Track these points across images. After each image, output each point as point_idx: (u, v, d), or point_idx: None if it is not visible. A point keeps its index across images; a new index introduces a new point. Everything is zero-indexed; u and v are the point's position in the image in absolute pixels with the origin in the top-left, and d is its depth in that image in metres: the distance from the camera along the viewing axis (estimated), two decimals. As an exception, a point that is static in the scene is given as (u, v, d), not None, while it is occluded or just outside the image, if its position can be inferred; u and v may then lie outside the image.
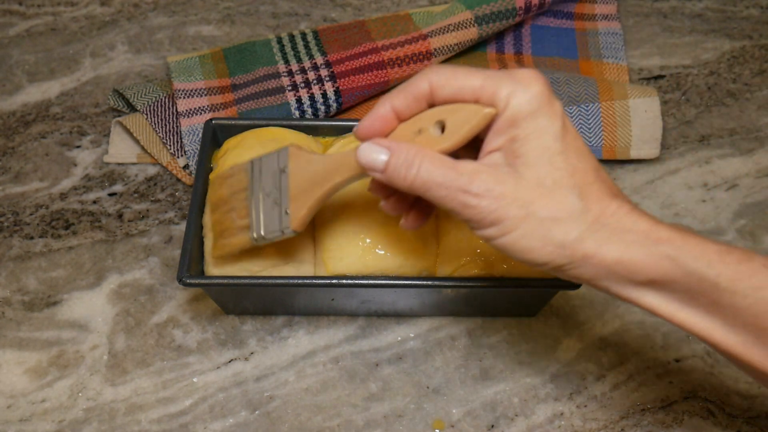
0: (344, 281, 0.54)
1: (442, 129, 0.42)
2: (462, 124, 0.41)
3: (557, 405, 0.56)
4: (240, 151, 0.60)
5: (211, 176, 0.60)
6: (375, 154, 0.43)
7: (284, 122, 0.63)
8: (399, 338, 0.60)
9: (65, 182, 0.69)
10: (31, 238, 0.65)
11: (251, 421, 0.55)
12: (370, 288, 0.56)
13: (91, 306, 0.61)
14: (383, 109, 0.44)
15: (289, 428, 0.55)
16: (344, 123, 0.64)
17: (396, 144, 0.43)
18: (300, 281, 0.55)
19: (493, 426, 0.55)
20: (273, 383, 0.57)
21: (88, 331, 0.60)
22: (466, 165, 0.41)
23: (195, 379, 0.57)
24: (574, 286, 0.54)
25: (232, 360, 0.59)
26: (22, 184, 0.69)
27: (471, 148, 0.43)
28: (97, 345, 0.59)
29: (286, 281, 0.55)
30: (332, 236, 0.56)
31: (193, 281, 0.54)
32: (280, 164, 0.51)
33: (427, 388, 0.57)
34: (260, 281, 0.55)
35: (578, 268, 0.41)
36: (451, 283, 0.55)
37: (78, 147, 0.71)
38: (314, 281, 0.55)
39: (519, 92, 0.40)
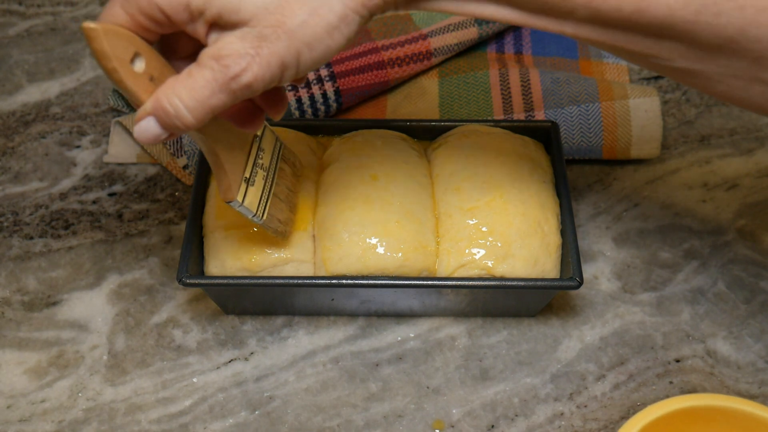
0: (344, 281, 0.54)
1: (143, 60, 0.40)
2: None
3: (557, 405, 0.56)
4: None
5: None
6: (144, 126, 0.40)
7: (284, 122, 0.63)
8: (399, 338, 0.60)
9: (65, 182, 0.69)
10: (31, 238, 0.65)
11: (251, 421, 0.55)
12: (370, 288, 0.56)
13: (90, 306, 0.61)
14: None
15: (289, 428, 0.55)
16: (344, 123, 0.64)
17: (145, 106, 0.40)
18: (300, 281, 0.55)
19: (493, 426, 0.55)
20: (273, 383, 0.57)
21: (88, 331, 0.60)
22: (203, 59, 0.39)
23: (195, 379, 0.57)
24: (574, 286, 0.54)
25: (231, 360, 0.58)
26: (22, 184, 0.69)
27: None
28: (97, 345, 0.59)
29: (286, 281, 0.55)
30: (332, 236, 0.56)
31: (193, 281, 0.54)
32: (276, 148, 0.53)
33: (427, 388, 0.57)
34: (260, 281, 0.55)
35: None
36: (451, 283, 0.55)
37: (78, 147, 0.71)
38: (314, 281, 0.55)
39: None
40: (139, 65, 0.40)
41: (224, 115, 0.47)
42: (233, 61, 0.38)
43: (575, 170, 0.70)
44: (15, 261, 0.64)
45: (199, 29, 0.39)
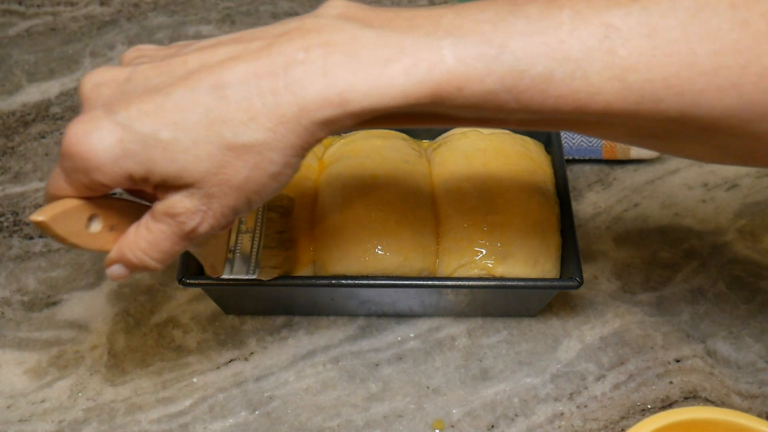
0: (344, 281, 0.54)
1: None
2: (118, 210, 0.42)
3: (557, 405, 0.56)
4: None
5: None
6: (115, 270, 0.42)
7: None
8: (399, 338, 0.60)
9: (65, 182, 0.69)
10: (31, 238, 0.65)
11: (251, 421, 0.55)
12: (370, 288, 0.56)
13: (90, 306, 0.61)
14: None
15: (289, 428, 0.55)
16: (344, 123, 0.64)
17: (111, 256, 0.42)
18: (300, 281, 0.55)
19: (493, 426, 0.55)
20: (273, 383, 0.57)
21: (88, 331, 0.60)
22: (158, 215, 0.40)
23: (195, 379, 0.57)
24: (574, 286, 0.54)
25: (231, 360, 0.58)
26: (22, 184, 0.69)
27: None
28: (97, 345, 0.59)
29: (286, 281, 0.55)
30: (332, 236, 0.56)
31: (192, 281, 0.54)
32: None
33: (427, 388, 0.57)
34: (260, 281, 0.55)
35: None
36: (451, 283, 0.55)
37: (78, 147, 0.71)
38: (314, 281, 0.55)
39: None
40: (96, 226, 0.41)
41: None
42: (187, 218, 0.39)
43: (575, 170, 0.70)
44: (15, 261, 0.64)
45: (146, 188, 0.40)
